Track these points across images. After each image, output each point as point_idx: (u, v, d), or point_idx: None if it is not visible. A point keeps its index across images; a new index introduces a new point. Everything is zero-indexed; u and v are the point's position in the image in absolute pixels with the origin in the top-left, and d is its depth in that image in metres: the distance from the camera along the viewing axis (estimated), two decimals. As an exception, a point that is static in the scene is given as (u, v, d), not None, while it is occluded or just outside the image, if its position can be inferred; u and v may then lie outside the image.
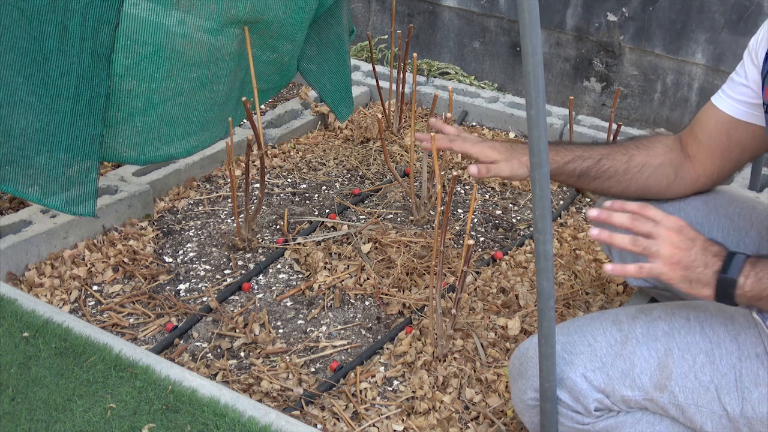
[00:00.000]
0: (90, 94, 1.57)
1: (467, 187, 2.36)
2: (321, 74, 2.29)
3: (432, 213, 2.15)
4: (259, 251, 1.99)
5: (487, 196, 2.31)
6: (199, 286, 1.85)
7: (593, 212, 1.08)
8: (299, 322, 1.75)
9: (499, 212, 2.22)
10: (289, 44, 2.01)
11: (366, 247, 1.97)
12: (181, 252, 1.97)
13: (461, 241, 2.05)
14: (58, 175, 1.62)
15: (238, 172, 2.30)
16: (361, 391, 1.54)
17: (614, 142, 1.43)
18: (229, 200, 2.20)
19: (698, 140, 1.33)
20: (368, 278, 1.88)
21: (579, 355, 1.13)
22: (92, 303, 1.77)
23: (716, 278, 1.05)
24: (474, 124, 2.77)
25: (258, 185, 2.14)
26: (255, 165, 2.28)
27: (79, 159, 1.63)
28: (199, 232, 2.06)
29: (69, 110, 1.56)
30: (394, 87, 2.75)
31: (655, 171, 1.36)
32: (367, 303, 1.81)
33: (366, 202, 2.25)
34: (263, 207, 2.17)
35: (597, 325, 1.16)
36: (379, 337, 1.71)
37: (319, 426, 1.45)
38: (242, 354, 1.64)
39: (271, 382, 1.54)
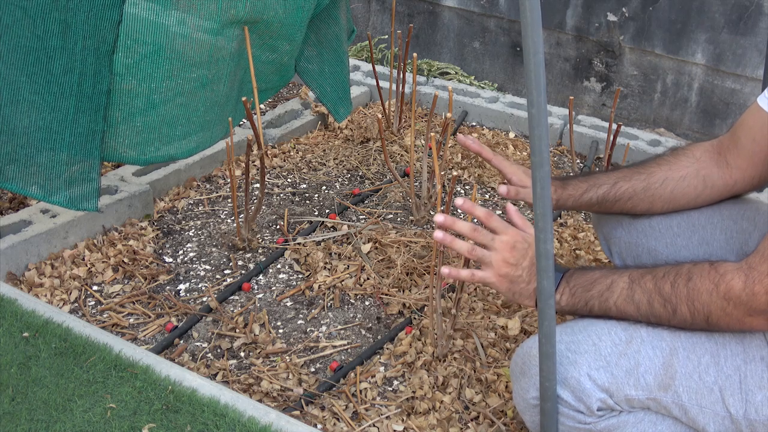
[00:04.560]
0: (92, 91, 1.58)
1: (467, 187, 2.36)
2: (318, 74, 2.29)
3: (432, 213, 2.15)
4: (259, 251, 1.98)
5: (487, 196, 2.31)
6: (199, 286, 1.85)
7: (439, 218, 1.17)
8: (299, 322, 1.75)
9: (499, 212, 2.22)
10: (288, 44, 2.01)
11: (366, 247, 1.97)
12: (181, 252, 1.97)
13: (461, 241, 2.05)
14: (61, 172, 1.62)
15: (238, 172, 2.30)
16: (361, 391, 1.54)
17: (637, 162, 1.43)
18: (229, 200, 2.20)
19: (740, 144, 1.29)
20: (368, 278, 1.88)
21: (583, 354, 1.13)
22: (92, 303, 1.77)
23: (534, 296, 1.19)
24: (474, 124, 2.77)
25: (258, 185, 2.14)
26: (255, 165, 2.28)
27: (82, 155, 1.63)
28: (199, 232, 2.05)
29: (72, 107, 1.57)
30: (394, 87, 2.75)
31: (679, 183, 1.34)
32: (367, 303, 1.81)
33: (366, 202, 2.25)
34: (263, 207, 2.17)
35: (602, 324, 1.16)
36: (379, 337, 1.71)
37: (319, 426, 1.45)
38: (242, 354, 1.64)
39: (271, 382, 1.54)
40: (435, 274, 1.56)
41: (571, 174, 1.60)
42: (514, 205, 1.50)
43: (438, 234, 1.17)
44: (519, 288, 1.20)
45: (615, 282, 1.15)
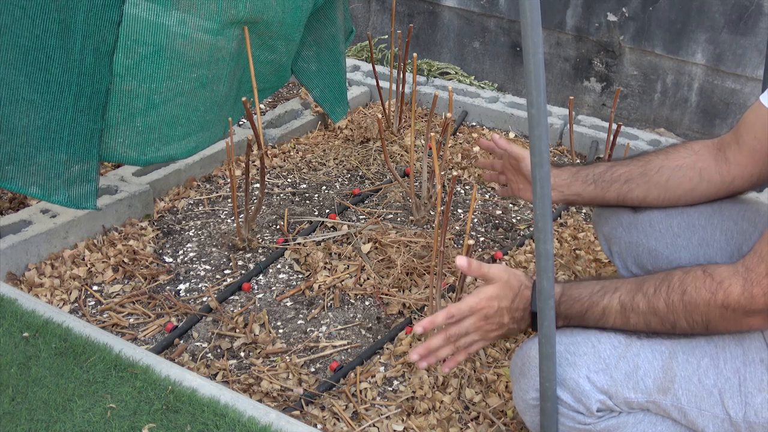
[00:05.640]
0: (91, 90, 1.58)
1: (467, 187, 2.36)
2: (315, 75, 2.29)
3: (432, 213, 2.15)
4: (259, 251, 1.99)
5: (487, 196, 2.31)
6: (199, 286, 1.85)
7: (414, 356, 1.18)
8: (299, 322, 1.75)
9: (499, 212, 2.22)
10: (286, 44, 2.01)
11: (366, 247, 1.97)
12: (181, 252, 1.97)
13: (461, 241, 2.05)
14: (61, 172, 1.62)
15: (238, 172, 2.30)
16: (361, 391, 1.54)
17: (635, 154, 1.44)
18: (229, 200, 2.20)
19: (741, 140, 1.29)
20: (368, 278, 1.88)
21: (582, 356, 1.13)
22: (92, 303, 1.77)
23: (531, 331, 1.23)
24: (474, 124, 2.77)
25: (258, 185, 2.14)
26: (255, 165, 2.28)
27: (81, 154, 1.64)
28: (199, 232, 2.05)
29: (71, 107, 1.57)
30: (394, 87, 2.75)
31: (675, 173, 1.34)
32: (367, 303, 1.81)
33: (366, 202, 2.25)
34: (263, 207, 2.17)
35: None
36: (379, 337, 1.71)
37: (319, 426, 1.45)
38: (242, 354, 1.64)
39: (271, 382, 1.54)
40: (435, 274, 1.56)
41: None
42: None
43: (422, 364, 1.19)
44: (513, 333, 1.22)
45: (607, 309, 1.14)
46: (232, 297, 1.82)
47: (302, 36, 2.15)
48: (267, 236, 2.05)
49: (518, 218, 2.20)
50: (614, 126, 2.28)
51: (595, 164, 1.42)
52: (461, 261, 1.16)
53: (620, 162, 1.41)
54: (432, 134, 2.57)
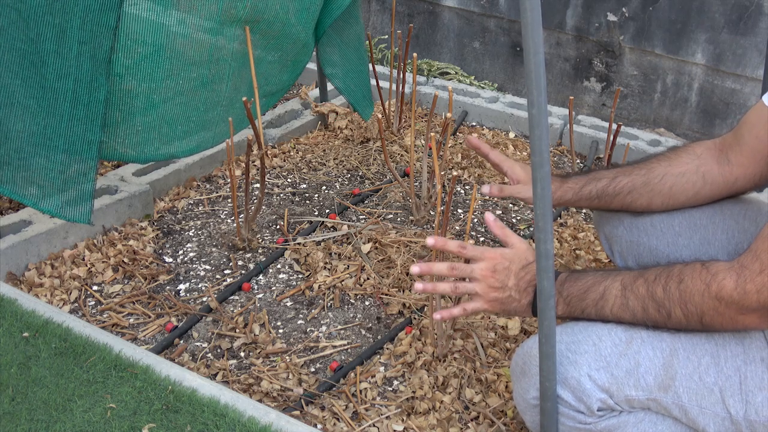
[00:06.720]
0: (88, 99, 1.56)
1: (467, 187, 2.36)
2: (344, 74, 2.30)
3: (432, 213, 2.15)
4: (259, 251, 1.98)
5: (487, 196, 2.31)
6: (199, 286, 1.85)
7: (415, 269, 1.18)
8: (299, 322, 1.75)
9: (499, 212, 2.22)
10: (293, 44, 2.01)
11: (366, 247, 1.97)
12: (181, 252, 1.97)
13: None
14: (55, 179, 1.60)
15: (238, 172, 2.30)
16: (361, 391, 1.54)
17: (638, 159, 1.44)
18: (229, 200, 2.20)
19: (743, 141, 1.29)
20: (368, 278, 1.88)
21: (583, 355, 1.13)
22: (92, 303, 1.77)
23: (530, 308, 1.20)
24: (474, 124, 2.77)
25: (258, 185, 2.14)
26: (255, 165, 2.28)
27: (76, 163, 1.61)
28: (199, 232, 2.05)
29: (66, 114, 1.56)
30: (394, 87, 2.75)
31: (678, 179, 1.34)
32: (367, 303, 1.81)
33: (366, 202, 2.25)
34: (263, 207, 2.16)
35: (602, 324, 1.16)
36: (379, 337, 1.71)
37: (319, 426, 1.45)
38: (242, 354, 1.64)
39: (271, 382, 1.54)
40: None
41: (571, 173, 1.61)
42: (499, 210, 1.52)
43: (418, 286, 1.19)
44: (512, 307, 1.21)
45: (608, 289, 1.15)
46: (232, 297, 1.82)
47: (330, 37, 2.16)
48: (267, 236, 2.05)
49: (518, 218, 2.20)
50: (614, 126, 2.28)
51: (597, 176, 1.42)
52: (489, 216, 1.20)
53: (622, 170, 1.40)
54: (432, 134, 2.57)
